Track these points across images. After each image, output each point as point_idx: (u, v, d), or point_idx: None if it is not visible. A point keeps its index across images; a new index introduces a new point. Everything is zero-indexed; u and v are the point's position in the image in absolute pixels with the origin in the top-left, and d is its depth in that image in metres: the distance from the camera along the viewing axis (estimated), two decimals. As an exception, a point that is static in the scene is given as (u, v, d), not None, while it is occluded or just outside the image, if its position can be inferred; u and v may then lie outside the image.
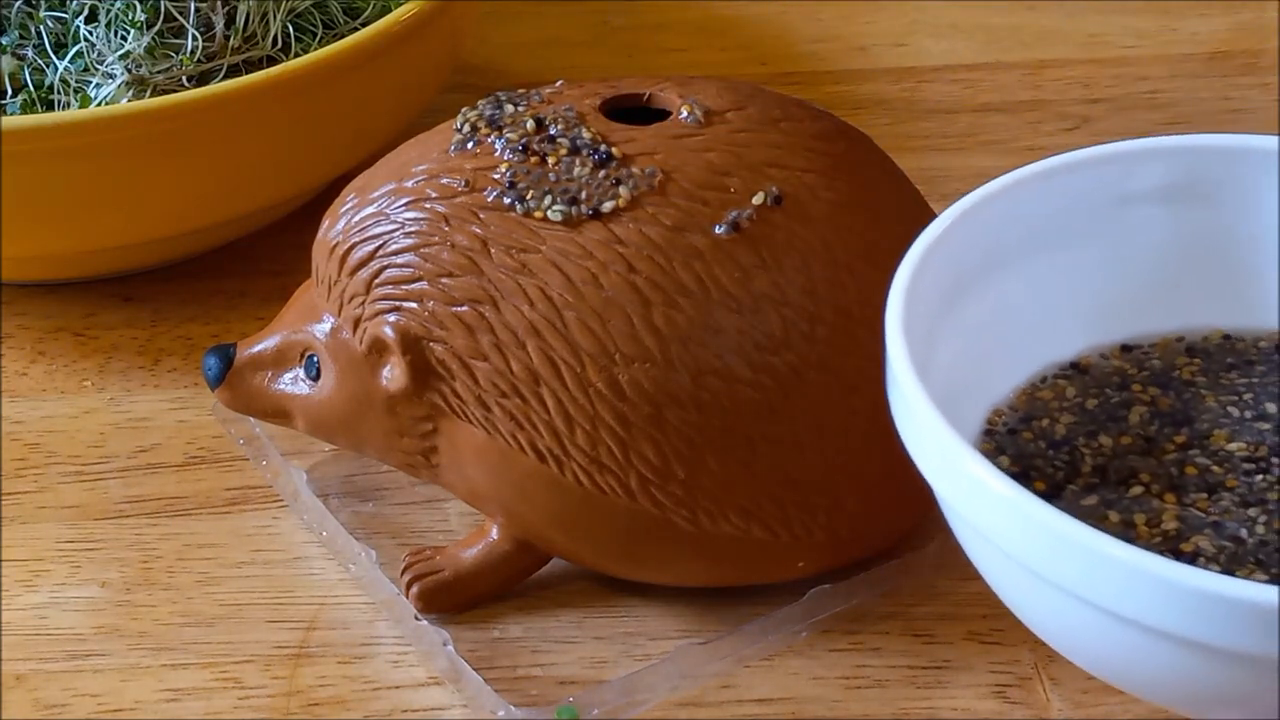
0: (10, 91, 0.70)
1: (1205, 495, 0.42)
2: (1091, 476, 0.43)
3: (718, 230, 0.54)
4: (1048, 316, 0.46)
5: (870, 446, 0.55)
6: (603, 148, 0.56)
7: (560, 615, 0.58)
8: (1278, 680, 0.37)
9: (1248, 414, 0.44)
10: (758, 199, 0.55)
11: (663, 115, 0.58)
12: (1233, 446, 0.43)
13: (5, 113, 0.69)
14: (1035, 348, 0.46)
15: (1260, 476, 0.42)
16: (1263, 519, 0.41)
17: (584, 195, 0.55)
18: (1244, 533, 0.41)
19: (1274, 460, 0.43)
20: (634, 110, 0.59)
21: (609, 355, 0.53)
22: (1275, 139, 0.45)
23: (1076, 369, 0.46)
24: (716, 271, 0.54)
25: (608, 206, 0.54)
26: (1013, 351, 0.46)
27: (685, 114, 0.57)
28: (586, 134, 0.56)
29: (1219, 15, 0.92)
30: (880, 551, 0.58)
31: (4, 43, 0.70)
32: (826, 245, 0.54)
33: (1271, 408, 0.44)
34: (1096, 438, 0.44)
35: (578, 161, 0.55)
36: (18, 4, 0.71)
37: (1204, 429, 0.43)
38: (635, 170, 0.55)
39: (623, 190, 0.55)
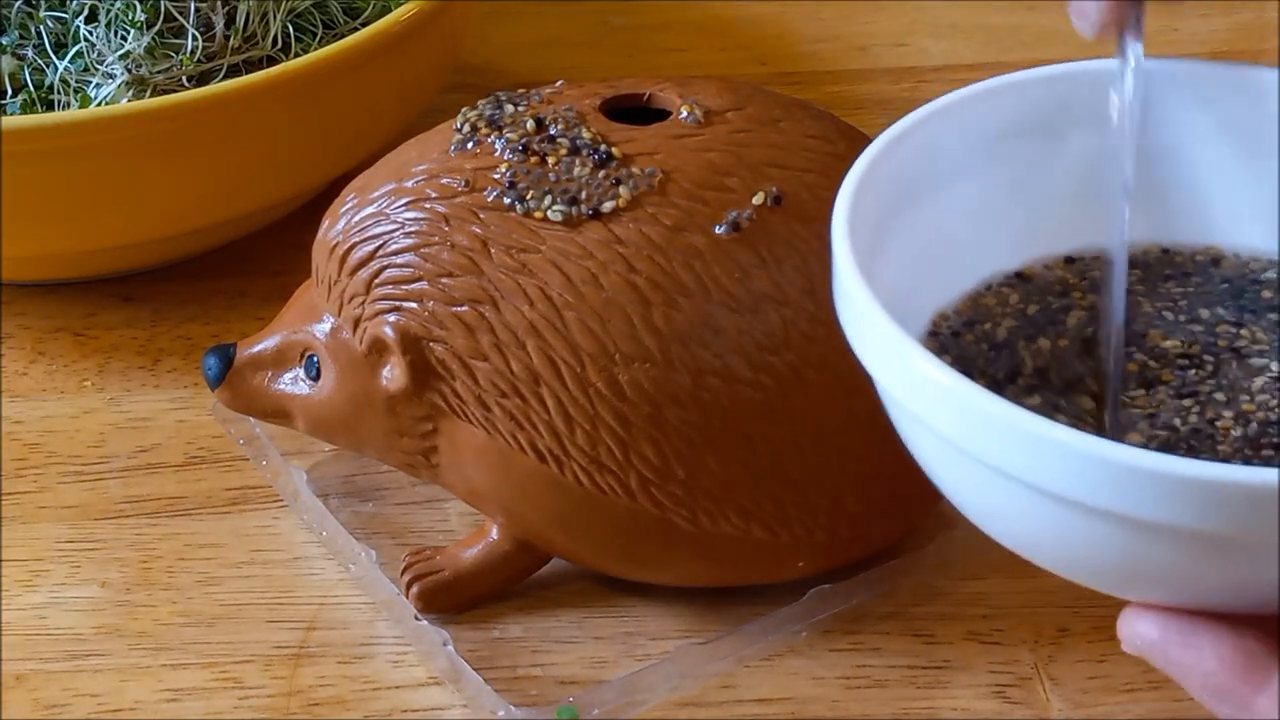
0: (10, 91, 0.70)
1: (1143, 391, 0.44)
2: (1032, 378, 0.45)
3: (718, 230, 0.54)
4: (994, 229, 0.48)
5: (870, 446, 0.55)
6: (603, 148, 0.56)
7: (560, 615, 0.58)
8: (1198, 554, 0.39)
9: (1181, 318, 0.46)
10: (758, 199, 0.55)
11: (663, 115, 0.58)
12: (1168, 344, 0.45)
13: (5, 113, 0.69)
14: (982, 258, 0.48)
15: (1193, 371, 0.44)
16: (1195, 409, 0.43)
17: (584, 195, 0.55)
18: (1177, 422, 0.43)
19: (1206, 357, 0.44)
20: (634, 110, 0.59)
21: (609, 355, 0.53)
22: (1220, 64, 0.47)
23: (1020, 278, 0.48)
24: (716, 271, 0.54)
25: (608, 206, 0.54)
26: (959, 262, 0.47)
27: (685, 114, 0.57)
28: (586, 134, 0.56)
29: (1219, 15, 0.92)
30: (880, 551, 0.58)
31: (4, 43, 0.70)
32: (826, 245, 0.54)
33: (1205, 313, 0.45)
34: (1035, 340, 0.45)
35: (578, 161, 0.55)
36: (18, 4, 0.71)
37: (1140, 329, 0.45)
38: (635, 170, 0.55)
39: (623, 190, 0.55)
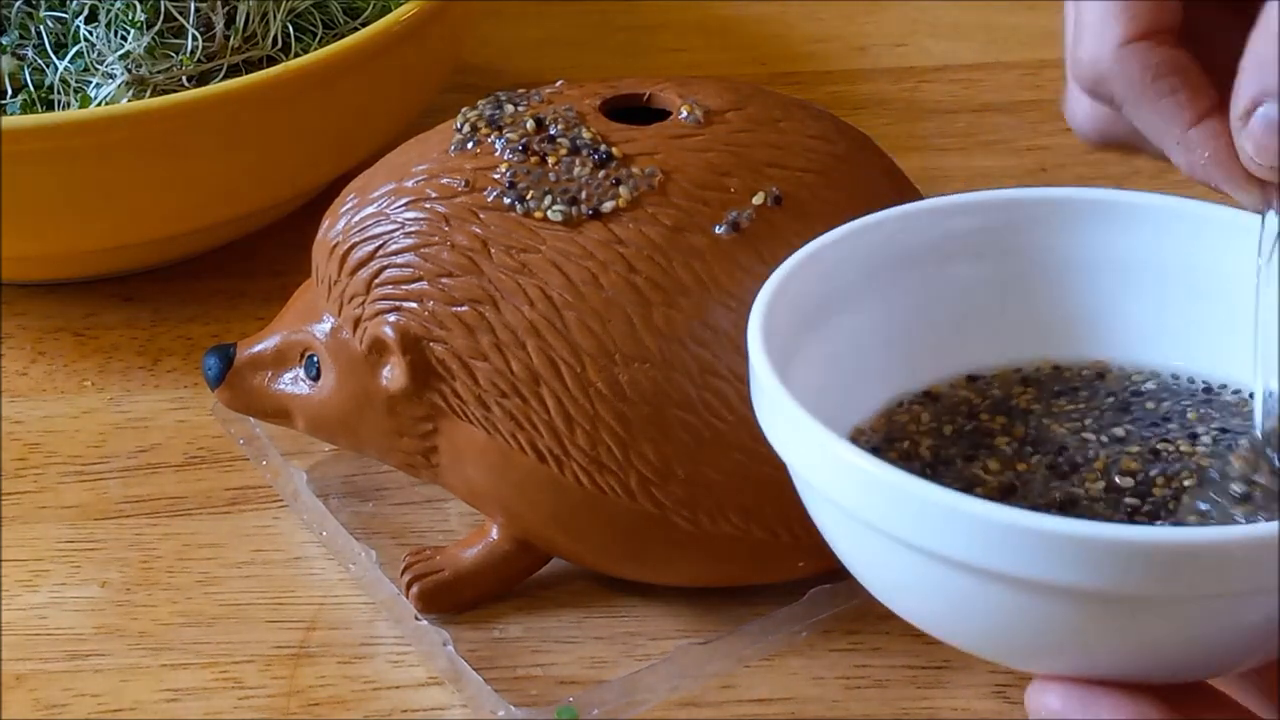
0: (10, 91, 0.70)
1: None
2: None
3: (718, 230, 0.54)
4: (899, 349, 0.51)
5: (870, 446, 0.55)
6: (603, 148, 0.56)
7: (560, 615, 0.58)
8: (1089, 618, 0.41)
9: (1102, 438, 0.48)
10: (758, 199, 0.55)
11: (663, 115, 0.58)
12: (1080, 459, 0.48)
13: (5, 113, 0.69)
14: (889, 377, 0.50)
15: (1132, 498, 0.46)
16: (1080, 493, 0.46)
17: (584, 195, 0.55)
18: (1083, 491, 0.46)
19: (1153, 474, 0.47)
20: (634, 110, 0.59)
21: (609, 355, 0.53)
22: (1077, 190, 0.51)
23: (929, 396, 0.50)
24: (716, 271, 0.54)
25: (608, 206, 0.54)
26: (868, 380, 0.50)
27: (685, 114, 0.57)
28: (586, 134, 0.56)
29: (1219, 15, 0.92)
30: (880, 551, 0.58)
31: (4, 43, 0.70)
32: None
33: (1119, 431, 0.48)
34: (982, 461, 0.48)
35: (578, 161, 0.55)
36: (18, 4, 0.71)
37: (1080, 458, 0.48)
38: (635, 170, 0.55)
39: (623, 190, 0.55)
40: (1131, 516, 0.45)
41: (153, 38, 0.69)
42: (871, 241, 0.50)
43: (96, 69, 0.70)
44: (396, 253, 0.55)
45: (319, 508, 0.61)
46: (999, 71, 0.88)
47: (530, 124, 0.57)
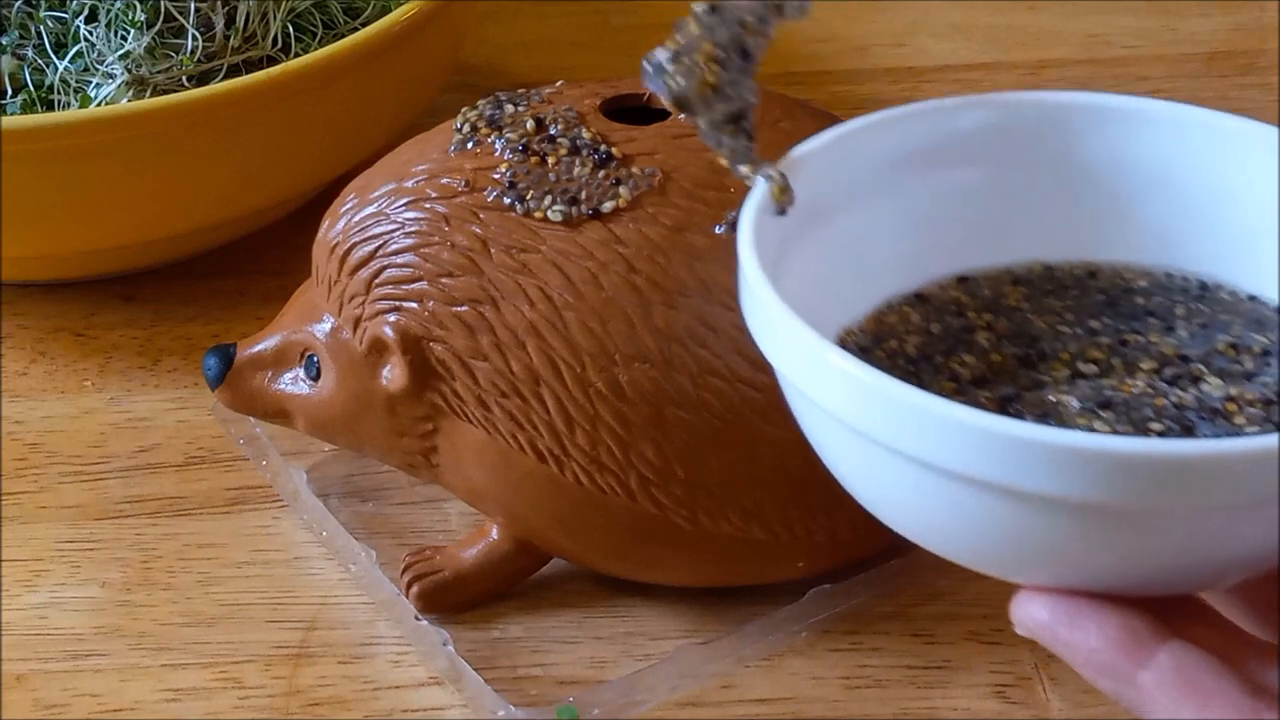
0: (10, 91, 0.70)
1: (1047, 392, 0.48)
2: (961, 390, 0.48)
3: (718, 230, 0.54)
4: (891, 251, 0.51)
5: (870, 446, 0.55)
6: (603, 148, 0.56)
7: (560, 615, 0.58)
8: (1081, 528, 0.41)
9: (1077, 330, 0.49)
10: (758, 199, 0.55)
11: (663, 115, 0.58)
12: (1063, 355, 0.48)
13: (5, 113, 0.69)
14: (880, 280, 0.50)
15: (1102, 380, 0.47)
16: (1089, 399, 0.46)
17: (584, 195, 0.55)
18: (1074, 402, 0.46)
19: (1113, 361, 0.48)
20: (634, 110, 0.59)
21: (609, 355, 0.53)
22: (1080, 94, 0.52)
23: (919, 298, 0.50)
24: (716, 271, 0.54)
25: (608, 206, 0.54)
26: (859, 283, 0.50)
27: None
28: (586, 134, 0.56)
29: (1219, 15, 0.92)
30: (880, 551, 0.58)
31: (4, 43, 0.70)
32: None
33: (1094, 324, 0.49)
34: (956, 354, 0.48)
35: (578, 161, 0.55)
36: (18, 4, 0.71)
37: (1048, 348, 0.48)
38: (635, 170, 0.55)
39: (623, 190, 0.55)
40: (1087, 406, 0.45)
41: (153, 38, 0.69)
42: (866, 144, 0.50)
43: (96, 69, 0.70)
44: (396, 253, 0.55)
45: (319, 508, 0.61)
46: (999, 71, 0.88)
47: (530, 124, 0.57)
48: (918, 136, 0.51)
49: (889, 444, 0.42)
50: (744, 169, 0.48)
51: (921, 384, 0.46)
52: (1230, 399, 0.46)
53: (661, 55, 0.48)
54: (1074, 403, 0.46)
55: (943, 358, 0.48)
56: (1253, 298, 0.50)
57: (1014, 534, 0.42)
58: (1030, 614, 0.43)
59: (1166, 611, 0.43)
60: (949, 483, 0.41)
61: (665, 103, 0.48)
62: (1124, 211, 0.51)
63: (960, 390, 0.47)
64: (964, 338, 0.49)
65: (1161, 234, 0.51)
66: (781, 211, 0.48)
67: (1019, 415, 0.45)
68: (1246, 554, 0.43)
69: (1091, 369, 0.47)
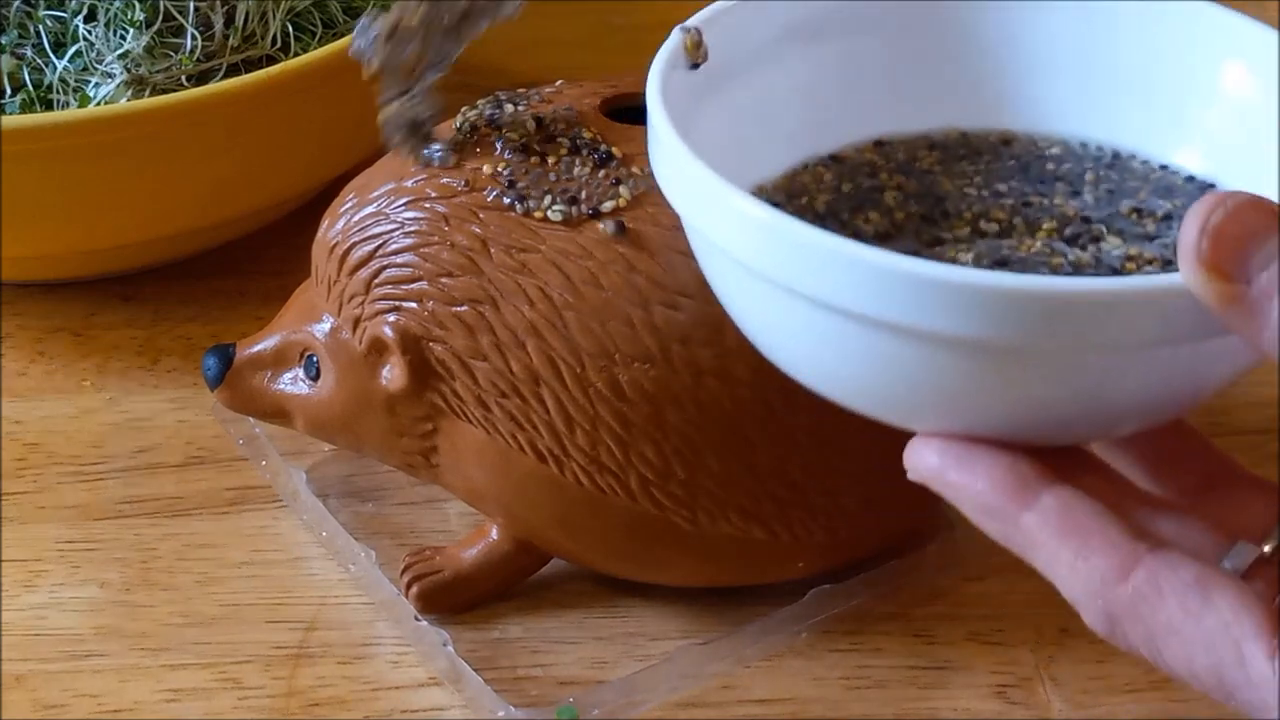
0: (10, 91, 0.70)
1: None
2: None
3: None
4: (808, 115, 0.51)
5: (869, 447, 0.55)
6: (603, 148, 0.56)
7: (560, 615, 0.58)
8: (972, 368, 0.41)
9: (984, 192, 0.50)
10: (758, 199, 0.55)
11: (663, 115, 0.58)
12: (967, 214, 0.49)
13: (4, 112, 0.69)
14: (797, 143, 0.51)
15: (1001, 239, 0.48)
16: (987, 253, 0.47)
17: (584, 195, 0.55)
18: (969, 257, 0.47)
19: (1015, 221, 0.48)
20: (634, 110, 0.58)
21: (609, 355, 0.53)
22: None
23: (834, 160, 0.51)
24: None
25: (608, 206, 0.54)
26: (774, 145, 0.50)
27: (685, 114, 0.57)
28: (586, 134, 0.56)
29: (1219, 15, 0.92)
30: (880, 551, 0.58)
31: (3, 42, 0.70)
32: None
33: (1002, 187, 0.50)
34: (862, 212, 0.49)
35: (578, 161, 0.55)
36: (17, 3, 0.71)
37: (948, 206, 0.49)
38: (635, 170, 0.55)
39: (623, 190, 0.55)
40: (983, 265, 0.46)
41: (152, 37, 0.69)
42: (783, 5, 0.50)
43: (95, 68, 0.70)
44: (396, 252, 0.55)
45: (319, 508, 0.61)
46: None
47: (530, 124, 0.57)
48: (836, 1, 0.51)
49: (785, 283, 0.42)
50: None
51: None
52: (1129, 258, 0.46)
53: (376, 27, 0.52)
54: (970, 260, 0.46)
55: (849, 214, 0.48)
56: (1164, 167, 0.50)
57: (906, 376, 0.43)
58: (922, 458, 0.44)
59: (1057, 461, 0.43)
60: (844, 323, 0.42)
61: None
62: (1042, 81, 0.52)
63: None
64: (872, 196, 0.49)
65: (1079, 105, 0.52)
66: (694, 66, 0.48)
67: None
68: (1135, 402, 0.43)
69: (993, 228, 0.48)
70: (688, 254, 0.54)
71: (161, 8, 0.70)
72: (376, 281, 0.55)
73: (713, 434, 0.54)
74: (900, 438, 0.53)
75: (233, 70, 0.70)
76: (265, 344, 0.59)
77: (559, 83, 0.60)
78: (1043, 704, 0.55)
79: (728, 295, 0.46)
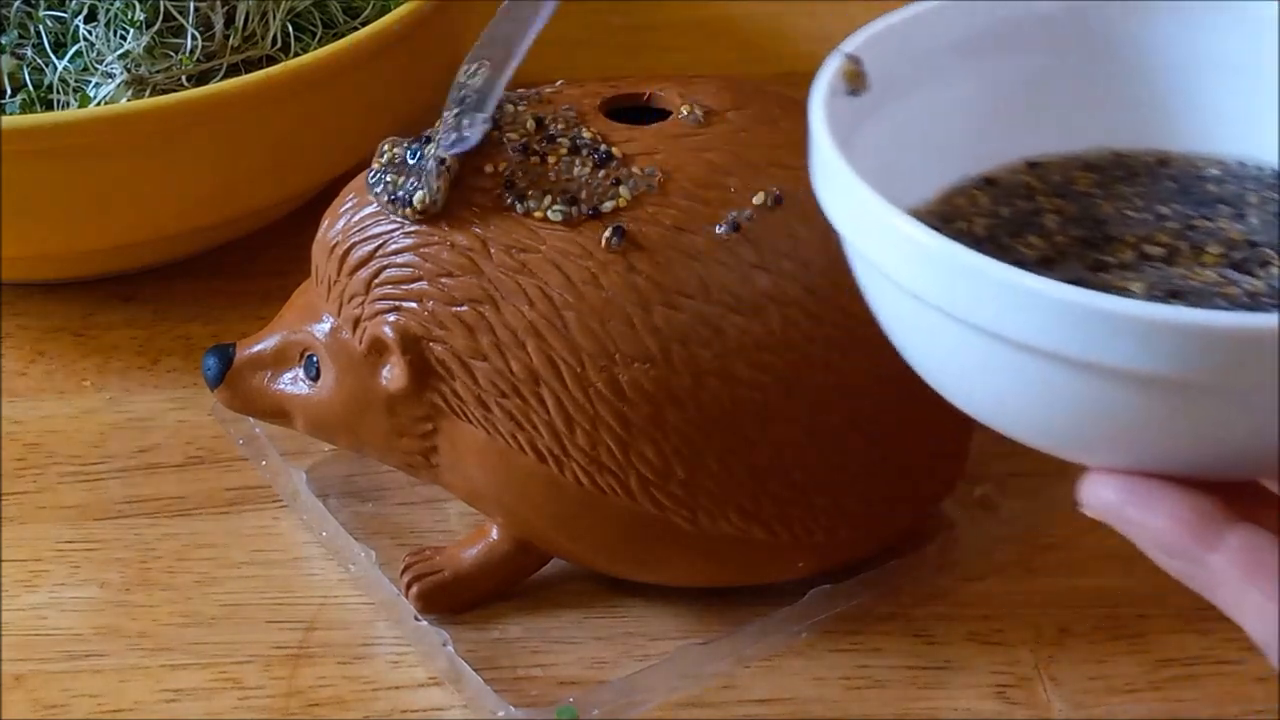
0: (10, 91, 0.70)
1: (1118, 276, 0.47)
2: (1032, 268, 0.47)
3: (718, 230, 0.54)
4: (960, 135, 0.50)
5: (870, 447, 0.55)
6: (603, 148, 0.56)
7: (560, 615, 0.58)
8: (1160, 406, 0.40)
9: (1145, 215, 0.49)
10: (758, 199, 0.55)
11: (663, 115, 0.58)
12: (1130, 239, 0.48)
13: (5, 112, 0.69)
14: (948, 164, 0.50)
15: (1168, 265, 0.47)
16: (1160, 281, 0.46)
17: (584, 195, 0.55)
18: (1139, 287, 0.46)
19: (1180, 245, 0.47)
20: (634, 110, 0.59)
21: (609, 355, 0.53)
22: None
23: (988, 182, 0.50)
24: (716, 271, 0.54)
25: (608, 206, 0.54)
26: (926, 165, 0.50)
27: (685, 114, 0.57)
28: (586, 134, 0.56)
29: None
30: (880, 551, 0.58)
31: (3, 42, 0.70)
32: (826, 245, 0.54)
33: (1164, 209, 0.49)
34: (1022, 236, 0.48)
35: (578, 161, 0.55)
36: (17, 3, 0.71)
37: (1110, 230, 0.48)
38: (635, 170, 0.55)
39: (623, 190, 0.55)
40: (1155, 296, 0.44)
41: (152, 37, 0.69)
42: (940, 25, 0.49)
43: (96, 68, 0.70)
44: (396, 252, 0.55)
45: (319, 508, 0.61)
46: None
47: (530, 124, 0.57)
48: (991, 18, 0.50)
49: (961, 315, 0.41)
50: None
51: None
52: None
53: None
54: (1141, 290, 0.45)
55: (1009, 239, 0.47)
56: None
57: (1084, 411, 0.41)
58: (1099, 495, 0.43)
59: (1234, 495, 0.42)
60: (1023, 357, 0.41)
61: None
62: (1197, 100, 0.51)
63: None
64: (1031, 220, 0.48)
65: (1236, 123, 0.50)
66: (853, 93, 0.47)
67: None
68: None
69: (1157, 252, 0.47)
70: (688, 254, 0.54)
71: (162, 8, 0.70)
72: (376, 281, 0.55)
73: (713, 434, 0.54)
74: (900, 438, 0.53)
75: (233, 70, 0.70)
76: (265, 344, 0.59)
77: (559, 83, 0.60)
78: (1042, 704, 0.55)
79: (895, 324, 0.45)
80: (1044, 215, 0.48)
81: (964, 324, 0.41)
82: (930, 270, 0.42)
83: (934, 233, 0.42)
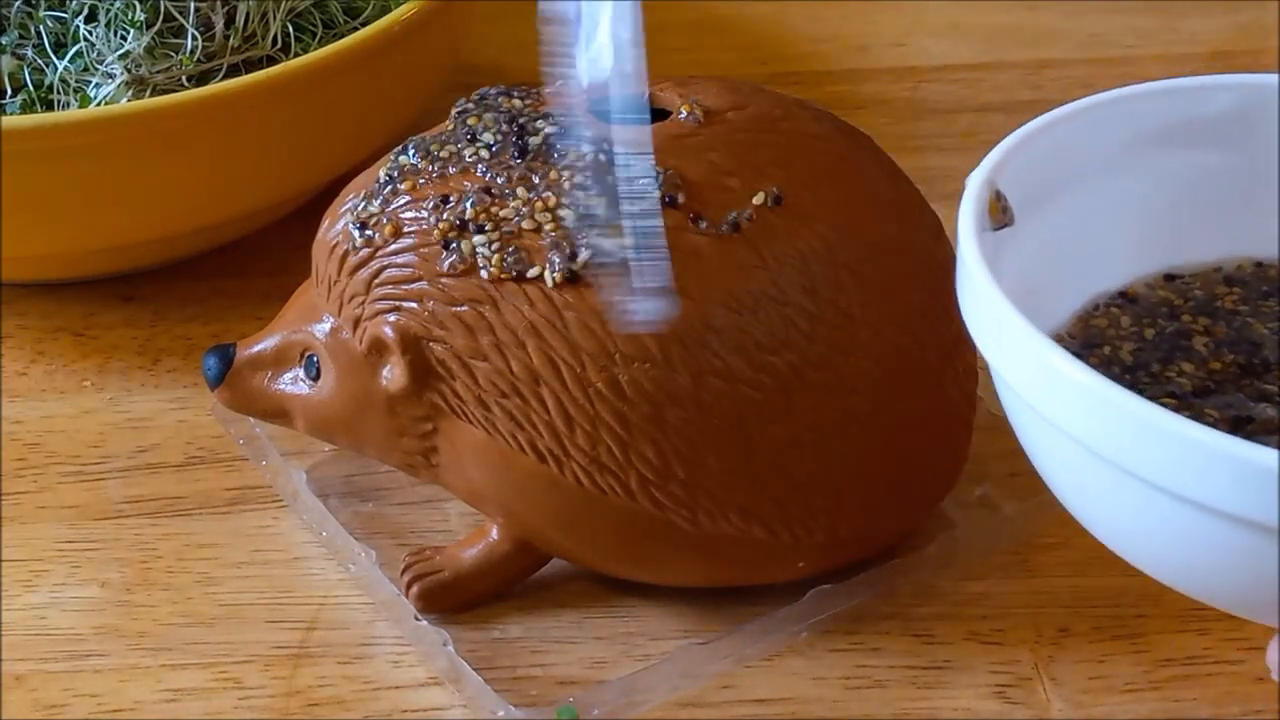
0: (10, 91, 0.70)
1: None
2: (1183, 401, 0.45)
3: (722, 229, 0.54)
4: (1094, 248, 0.48)
5: (870, 447, 0.55)
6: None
7: (560, 615, 0.58)
8: None
9: None
10: (758, 199, 0.55)
11: (663, 115, 0.58)
12: None
13: (5, 113, 0.69)
14: (1084, 277, 0.48)
15: None
16: None
17: (584, 195, 0.55)
18: None
19: None
20: (634, 110, 0.58)
21: (609, 355, 0.53)
22: None
23: (1125, 298, 0.48)
24: (716, 271, 0.54)
25: (608, 206, 0.54)
26: (1062, 281, 0.48)
27: (685, 114, 0.57)
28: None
29: (1219, 15, 0.92)
30: (880, 551, 0.58)
31: (4, 42, 0.70)
32: (826, 245, 0.54)
33: None
34: (1176, 363, 0.46)
35: (578, 161, 0.55)
36: (17, 4, 0.71)
37: (1274, 356, 0.46)
38: (635, 170, 0.55)
39: (623, 190, 0.54)
40: None
41: (152, 37, 0.69)
42: (1074, 133, 0.48)
43: (96, 69, 0.70)
44: (396, 252, 0.55)
45: (319, 508, 0.61)
46: (999, 71, 0.88)
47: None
48: (1125, 125, 0.49)
49: (1131, 468, 0.39)
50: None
51: (1140, 395, 0.43)
52: None
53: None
54: None
55: (1159, 365, 0.46)
56: None
57: (1267, 573, 0.39)
58: None
59: None
60: (1195, 513, 0.39)
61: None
62: None
63: (1184, 404, 0.44)
64: (1180, 344, 0.46)
65: None
66: (996, 229, 0.46)
67: (1256, 438, 0.42)
68: None
69: None
70: (688, 254, 0.54)
71: (162, 8, 0.70)
72: (377, 281, 0.55)
73: (713, 434, 0.54)
74: (900, 439, 0.53)
75: (233, 70, 0.70)
76: (265, 344, 0.59)
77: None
78: (1042, 704, 0.55)
79: (1040, 456, 0.43)
80: (1193, 338, 0.46)
81: (1135, 479, 0.39)
82: (1102, 418, 0.39)
83: (1090, 371, 0.39)
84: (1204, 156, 0.49)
